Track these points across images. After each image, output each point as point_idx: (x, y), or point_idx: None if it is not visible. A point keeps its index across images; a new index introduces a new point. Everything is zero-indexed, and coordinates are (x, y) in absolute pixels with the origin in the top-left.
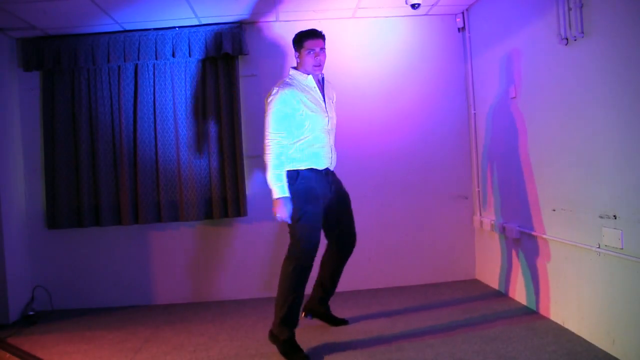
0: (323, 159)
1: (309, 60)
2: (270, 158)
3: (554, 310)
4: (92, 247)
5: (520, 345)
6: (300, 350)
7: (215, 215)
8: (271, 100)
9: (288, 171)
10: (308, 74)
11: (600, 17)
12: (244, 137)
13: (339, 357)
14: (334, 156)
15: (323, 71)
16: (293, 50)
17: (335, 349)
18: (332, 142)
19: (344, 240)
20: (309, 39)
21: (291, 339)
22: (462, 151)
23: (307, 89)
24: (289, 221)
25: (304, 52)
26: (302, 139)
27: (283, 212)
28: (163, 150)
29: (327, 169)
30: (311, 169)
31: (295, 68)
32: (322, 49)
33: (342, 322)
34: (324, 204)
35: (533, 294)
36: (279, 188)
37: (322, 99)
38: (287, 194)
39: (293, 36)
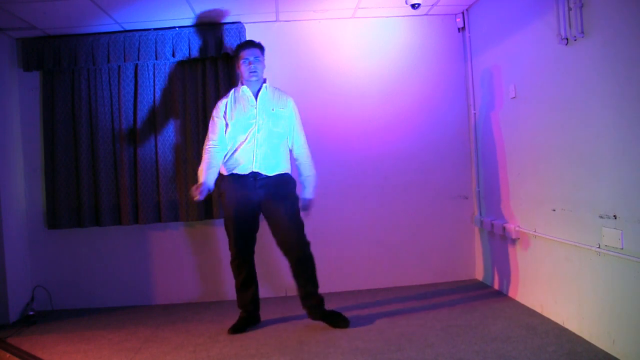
0: (244, 164)
1: (244, 69)
2: (203, 157)
3: (554, 310)
4: (92, 247)
5: (520, 345)
6: (239, 326)
7: (215, 215)
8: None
9: (220, 174)
10: (242, 85)
11: (600, 17)
12: None
13: (339, 357)
14: (266, 162)
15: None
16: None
17: (335, 349)
18: (263, 147)
19: (283, 249)
20: (244, 49)
21: (241, 317)
22: (462, 151)
23: (240, 98)
24: (199, 198)
25: (240, 62)
26: (230, 145)
27: (195, 191)
28: (163, 150)
29: (254, 173)
30: (233, 175)
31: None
32: (257, 57)
33: (342, 323)
34: (247, 207)
35: (533, 294)
36: (199, 178)
37: (255, 106)
38: (206, 181)
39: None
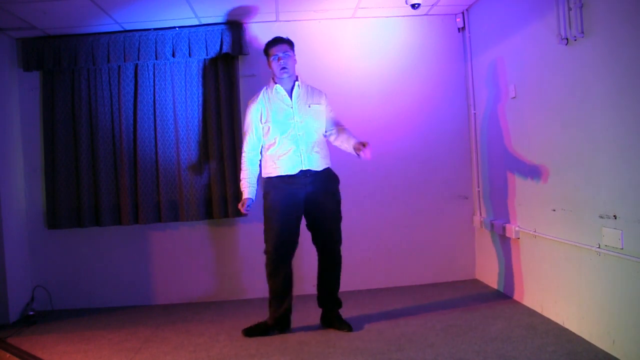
0: (292, 164)
1: (275, 67)
2: (242, 167)
3: (554, 310)
4: (92, 247)
5: (520, 345)
6: (257, 330)
7: (215, 215)
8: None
9: (262, 177)
10: (276, 83)
11: (600, 17)
12: None
13: (339, 357)
14: (313, 158)
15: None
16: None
17: (335, 349)
18: (307, 145)
19: (320, 243)
20: (272, 46)
21: (265, 323)
22: (462, 151)
23: (274, 97)
24: (244, 211)
25: (270, 59)
26: (269, 147)
27: (242, 208)
28: (163, 150)
29: (303, 171)
30: (281, 176)
31: (273, 77)
32: (286, 52)
33: (345, 326)
34: (294, 206)
35: (533, 294)
36: (244, 191)
37: (291, 105)
38: (251, 196)
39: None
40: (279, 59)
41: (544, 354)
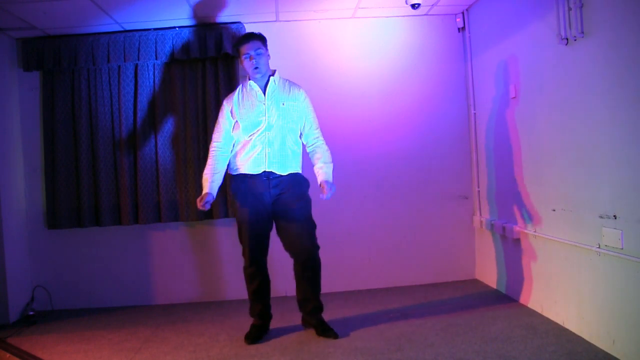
0: (255, 164)
1: (247, 66)
2: (207, 162)
3: (554, 310)
4: (92, 247)
5: (520, 345)
6: (254, 334)
7: (215, 215)
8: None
9: (229, 175)
10: (250, 79)
11: (600, 17)
12: None
13: (339, 357)
14: (279, 160)
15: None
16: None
17: (335, 349)
18: (275, 145)
19: (292, 251)
20: (243, 44)
21: (255, 324)
22: (462, 151)
23: (248, 94)
24: (206, 208)
25: (241, 58)
26: (237, 144)
27: (199, 202)
28: (163, 150)
29: (266, 173)
30: (243, 175)
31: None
32: (258, 50)
33: (331, 333)
34: (261, 209)
35: (533, 294)
36: (204, 187)
37: (264, 102)
38: (210, 191)
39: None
40: (250, 58)
41: (544, 354)
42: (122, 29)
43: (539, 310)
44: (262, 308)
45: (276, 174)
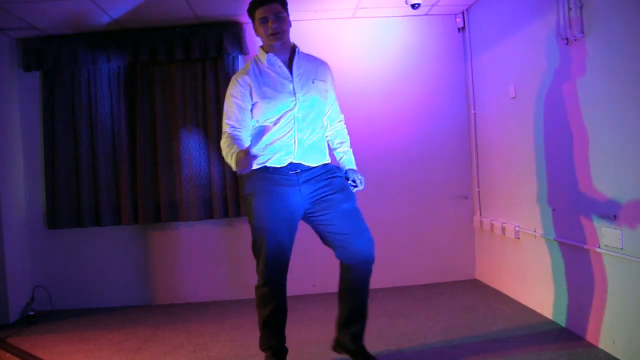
0: (280, 155)
1: (264, 32)
2: (223, 146)
3: (554, 310)
4: (92, 247)
5: (520, 345)
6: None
7: (215, 215)
8: (226, 93)
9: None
10: (267, 52)
11: (600, 17)
12: None
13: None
14: (309, 149)
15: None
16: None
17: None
18: (305, 131)
19: (343, 262)
20: (259, 6)
21: None
22: (462, 151)
23: (268, 69)
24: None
25: (256, 23)
26: (254, 132)
27: (247, 159)
28: (163, 150)
29: (293, 165)
30: (266, 169)
31: (262, 46)
32: (278, 14)
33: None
34: (287, 211)
35: (533, 294)
36: (234, 154)
37: (290, 78)
38: (245, 148)
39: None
40: (268, 22)
41: (544, 354)
42: (122, 29)
43: (538, 310)
44: (277, 343)
45: (305, 165)
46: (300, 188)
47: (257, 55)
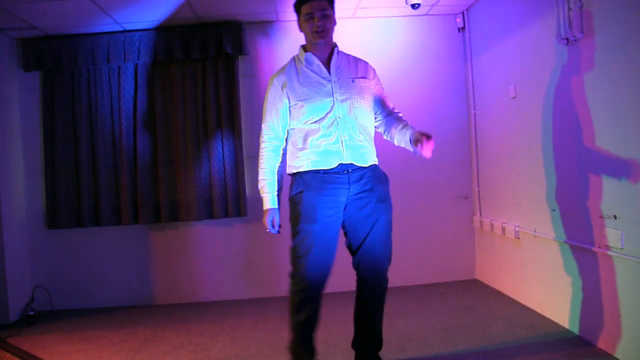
0: (328, 156)
1: (309, 28)
2: (260, 162)
3: (554, 310)
4: (92, 247)
5: (520, 345)
6: None
7: (215, 215)
8: (265, 93)
9: (292, 174)
10: (307, 51)
11: (600, 17)
12: (244, 137)
13: (339, 357)
14: (357, 149)
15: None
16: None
17: (336, 349)
18: (350, 131)
19: (358, 271)
20: (305, 2)
21: None
22: (462, 151)
23: (306, 69)
24: (275, 231)
25: (302, 18)
26: (297, 134)
27: (267, 224)
28: (163, 150)
29: (344, 166)
30: (313, 171)
31: (303, 45)
32: (325, 11)
33: None
34: (335, 214)
35: (533, 294)
36: (264, 198)
37: (329, 79)
38: (273, 206)
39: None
40: (313, 19)
41: (544, 354)
42: (122, 29)
43: (539, 310)
44: (308, 350)
45: (356, 165)
46: (349, 187)
47: (297, 55)
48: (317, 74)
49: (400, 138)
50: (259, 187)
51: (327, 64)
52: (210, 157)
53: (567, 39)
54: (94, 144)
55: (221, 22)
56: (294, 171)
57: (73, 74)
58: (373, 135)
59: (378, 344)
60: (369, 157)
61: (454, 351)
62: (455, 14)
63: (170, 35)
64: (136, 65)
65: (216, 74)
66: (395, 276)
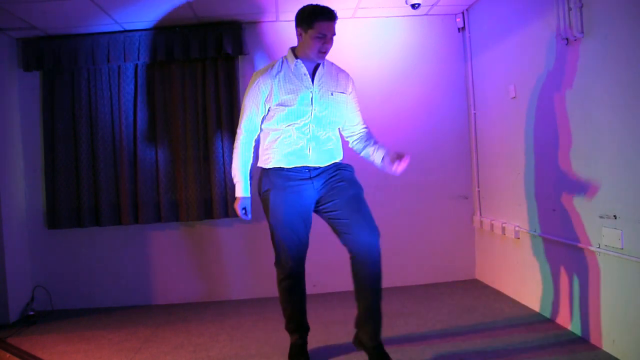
0: (296, 159)
1: (316, 46)
2: (234, 153)
3: (554, 310)
4: (92, 247)
5: (520, 345)
6: (301, 356)
7: (215, 215)
8: (247, 87)
9: (261, 168)
10: (297, 57)
11: (600, 17)
12: None
13: (339, 357)
14: (322, 156)
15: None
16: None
17: (336, 349)
18: (319, 140)
19: (344, 244)
20: (321, 20)
21: (296, 343)
22: (462, 151)
23: (292, 75)
24: (247, 218)
25: (312, 33)
26: (271, 134)
27: (239, 211)
28: (163, 150)
29: (308, 168)
30: (278, 169)
31: (293, 48)
32: (334, 34)
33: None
34: (301, 205)
35: (533, 294)
36: (237, 186)
37: (311, 88)
38: (245, 194)
39: (300, 10)
40: (325, 40)
41: (544, 354)
42: (122, 29)
43: (538, 310)
44: (301, 326)
45: (317, 167)
46: (312, 182)
47: (286, 57)
48: (301, 82)
49: (377, 155)
50: (232, 175)
51: (312, 74)
52: (210, 157)
53: (567, 38)
54: (94, 144)
55: (221, 22)
56: (262, 166)
57: (73, 74)
58: (340, 143)
59: (377, 321)
60: (332, 158)
61: (454, 351)
62: (455, 14)
63: (170, 35)
64: (136, 65)
65: (216, 74)
66: (395, 276)
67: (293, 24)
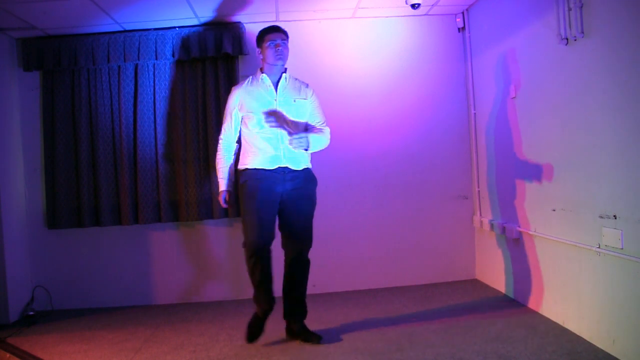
0: (271, 160)
1: (270, 53)
2: (217, 155)
3: (554, 310)
4: (92, 247)
5: (520, 345)
6: (255, 328)
7: (215, 215)
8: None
9: (239, 169)
10: (263, 73)
11: (600, 17)
12: None
13: (339, 357)
14: (293, 156)
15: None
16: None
17: (336, 349)
18: (287, 141)
19: (288, 245)
20: (270, 32)
21: (256, 316)
22: (462, 151)
23: (258, 88)
24: (226, 206)
25: (265, 45)
26: (247, 138)
27: (222, 201)
28: (163, 150)
29: (282, 169)
30: (256, 169)
31: (261, 68)
32: (284, 41)
33: (314, 338)
34: (271, 197)
35: (533, 294)
36: (220, 183)
37: (275, 98)
38: (225, 188)
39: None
40: (277, 46)
41: (544, 354)
42: (122, 29)
43: (539, 310)
44: (266, 297)
45: (291, 168)
46: (284, 183)
47: (255, 75)
48: (266, 92)
49: None
50: (217, 172)
51: (276, 85)
52: (210, 157)
53: (567, 39)
54: (94, 143)
55: (221, 22)
56: (243, 167)
57: (73, 74)
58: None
59: (303, 311)
60: (302, 162)
61: (454, 351)
62: (455, 14)
63: (171, 35)
64: (136, 65)
65: (216, 74)
66: (396, 276)
67: (293, 24)
